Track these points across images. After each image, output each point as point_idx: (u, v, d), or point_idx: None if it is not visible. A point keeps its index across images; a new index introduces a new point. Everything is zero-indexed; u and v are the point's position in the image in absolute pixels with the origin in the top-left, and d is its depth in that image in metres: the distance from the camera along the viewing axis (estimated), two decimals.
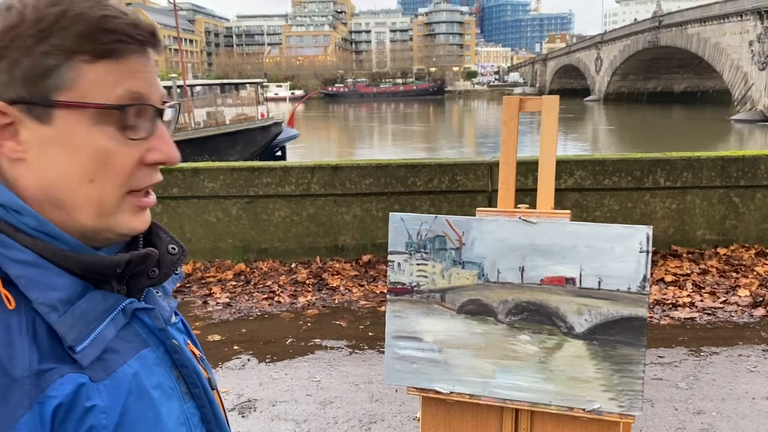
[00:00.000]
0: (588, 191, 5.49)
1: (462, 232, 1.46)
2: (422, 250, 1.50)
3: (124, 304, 0.73)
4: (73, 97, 0.68)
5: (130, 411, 0.70)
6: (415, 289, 1.52)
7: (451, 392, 1.47)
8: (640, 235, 1.38)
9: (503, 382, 1.46)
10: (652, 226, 1.38)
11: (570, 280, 1.42)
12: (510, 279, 1.45)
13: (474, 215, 1.51)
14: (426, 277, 1.50)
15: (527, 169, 5.20)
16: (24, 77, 0.67)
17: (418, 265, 1.51)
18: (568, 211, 1.42)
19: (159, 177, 0.75)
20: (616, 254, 1.39)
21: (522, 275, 1.43)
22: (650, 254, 1.36)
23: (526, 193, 4.64)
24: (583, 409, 1.40)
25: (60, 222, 0.70)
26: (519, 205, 1.51)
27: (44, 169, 0.69)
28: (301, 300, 4.88)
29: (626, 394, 1.39)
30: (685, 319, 4.37)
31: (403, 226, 1.51)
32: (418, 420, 1.55)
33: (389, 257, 1.54)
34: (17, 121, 0.67)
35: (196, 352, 0.86)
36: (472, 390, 1.47)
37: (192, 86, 27.37)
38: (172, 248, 0.80)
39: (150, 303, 0.78)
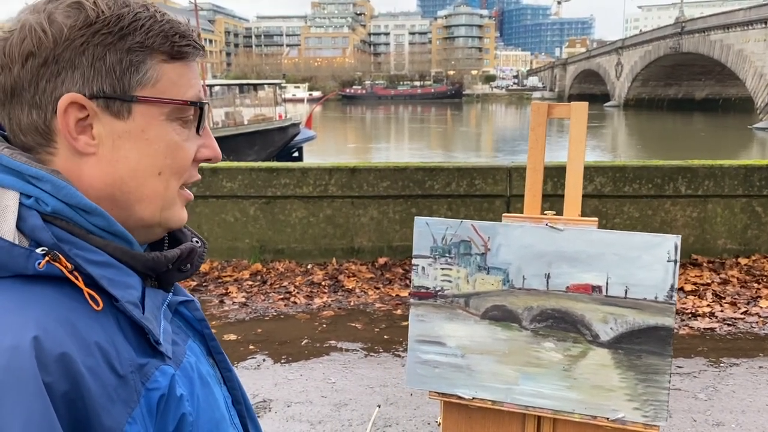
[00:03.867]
0: (608, 198, 5.44)
1: (487, 238, 1.45)
2: (447, 254, 1.49)
3: (168, 298, 0.77)
4: (154, 93, 0.71)
5: (200, 397, 0.74)
6: (439, 293, 1.51)
7: (473, 398, 1.46)
8: (668, 243, 1.36)
9: (526, 388, 1.45)
10: (680, 236, 1.36)
11: (596, 288, 1.40)
12: (535, 285, 1.44)
13: (492, 220, 1.51)
14: (450, 281, 1.50)
15: (546, 174, 5.16)
16: (108, 72, 0.68)
17: (442, 269, 1.50)
18: (595, 219, 1.41)
19: (198, 175, 0.79)
20: (643, 263, 1.37)
21: (548, 282, 1.42)
22: (678, 263, 1.35)
23: (543, 199, 4.61)
24: (607, 418, 1.39)
25: (119, 221, 0.72)
26: (546, 212, 1.50)
27: (114, 164, 0.70)
28: (317, 301, 4.89)
29: (651, 404, 1.37)
30: (704, 329, 4.31)
31: (428, 230, 1.50)
32: (439, 424, 1.55)
33: (413, 261, 1.53)
34: (93, 115, 0.69)
35: None
36: (494, 396, 1.46)
37: (211, 86, 27.56)
38: (196, 241, 0.82)
39: (180, 295, 0.81)
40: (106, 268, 0.67)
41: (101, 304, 0.65)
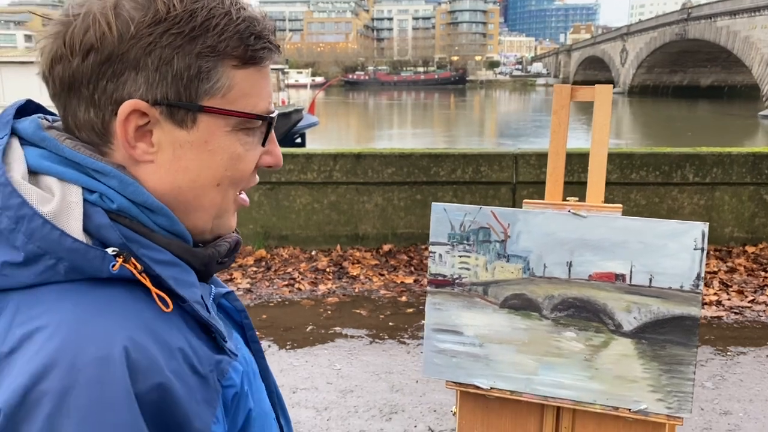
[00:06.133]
0: (614, 185, 5.40)
1: (507, 225, 1.42)
2: (465, 241, 1.46)
3: (213, 291, 0.75)
4: (222, 104, 0.65)
5: (255, 391, 0.73)
6: (457, 281, 1.48)
7: (491, 388, 1.44)
8: (695, 231, 1.33)
9: (546, 379, 1.42)
10: (708, 223, 1.33)
11: (620, 277, 1.37)
12: (557, 274, 1.41)
13: (497, 207, 1.48)
14: (468, 269, 1.46)
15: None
16: (175, 78, 0.62)
17: (460, 257, 1.46)
18: (620, 206, 1.38)
19: (257, 178, 0.74)
20: (669, 251, 1.34)
21: (569, 270, 1.39)
22: (705, 252, 1.31)
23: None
24: (629, 410, 1.36)
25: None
26: (568, 198, 1.46)
27: (173, 173, 0.66)
28: (322, 288, 4.87)
29: (675, 395, 1.34)
30: (711, 317, 4.29)
31: (446, 216, 1.47)
32: (455, 414, 1.53)
33: (430, 248, 1.50)
34: (154, 122, 0.64)
35: None
36: (513, 386, 1.43)
37: None
38: (235, 231, 0.79)
39: (218, 286, 0.79)
40: (172, 267, 0.65)
41: (171, 306, 0.63)
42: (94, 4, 0.62)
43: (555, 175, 1.45)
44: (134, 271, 0.61)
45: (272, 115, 0.70)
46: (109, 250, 0.61)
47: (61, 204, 0.61)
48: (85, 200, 0.62)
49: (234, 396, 0.67)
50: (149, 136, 0.65)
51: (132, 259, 0.62)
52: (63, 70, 0.63)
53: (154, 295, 0.62)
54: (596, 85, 1.39)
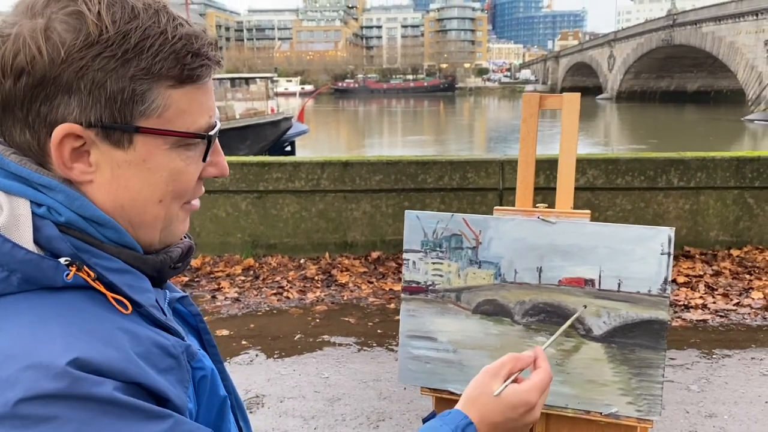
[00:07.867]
0: (600, 190, 5.44)
1: (479, 231, 1.44)
2: (438, 248, 1.48)
3: (168, 296, 0.77)
4: (158, 124, 0.65)
5: (216, 388, 0.75)
6: (430, 288, 1.50)
7: None
8: (661, 236, 1.35)
9: None
10: (674, 228, 1.35)
11: (589, 282, 1.39)
12: (527, 279, 1.42)
13: (485, 213, 1.50)
14: (441, 276, 1.48)
15: (538, 167, 5.15)
16: (108, 101, 0.63)
17: (433, 263, 1.48)
18: (588, 211, 1.40)
19: (203, 189, 0.76)
20: (636, 256, 1.36)
21: (540, 276, 1.41)
22: (672, 256, 1.34)
23: (536, 192, 4.60)
24: (600, 413, 1.38)
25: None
26: (538, 205, 1.48)
27: (113, 193, 0.67)
28: (310, 296, 4.87)
29: (645, 398, 1.36)
30: (697, 320, 4.32)
31: (419, 223, 1.48)
32: None
33: (404, 255, 1.51)
34: (90, 143, 0.64)
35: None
36: None
37: None
38: (186, 237, 0.81)
39: (172, 291, 0.81)
40: (124, 274, 0.66)
41: (130, 308, 0.65)
42: (24, 26, 0.62)
43: (525, 183, 1.47)
44: (88, 279, 0.63)
45: (212, 132, 0.70)
46: (62, 260, 0.62)
47: (10, 217, 0.62)
48: (33, 213, 0.63)
49: (202, 379, 0.70)
50: (87, 156, 0.65)
51: (85, 267, 0.63)
52: None
53: (111, 300, 0.64)
54: (564, 93, 1.41)
